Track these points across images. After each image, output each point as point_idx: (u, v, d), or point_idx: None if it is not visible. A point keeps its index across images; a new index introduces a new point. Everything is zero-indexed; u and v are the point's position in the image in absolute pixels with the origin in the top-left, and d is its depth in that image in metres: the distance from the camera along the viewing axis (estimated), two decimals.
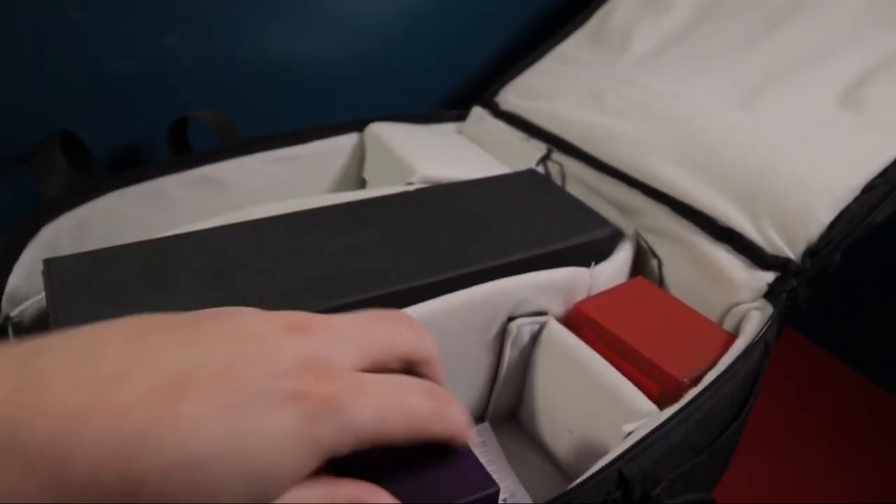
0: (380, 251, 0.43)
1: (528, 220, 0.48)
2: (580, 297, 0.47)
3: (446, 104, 0.79)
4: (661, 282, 0.51)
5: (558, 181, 0.59)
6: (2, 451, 0.18)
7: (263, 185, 0.59)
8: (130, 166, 0.64)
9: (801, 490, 0.63)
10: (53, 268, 0.39)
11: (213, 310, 0.24)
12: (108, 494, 0.18)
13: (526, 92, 0.67)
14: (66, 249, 0.48)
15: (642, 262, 0.53)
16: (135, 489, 0.18)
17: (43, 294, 0.39)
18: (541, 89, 0.66)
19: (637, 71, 0.62)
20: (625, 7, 0.70)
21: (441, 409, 0.25)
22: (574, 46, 0.69)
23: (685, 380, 0.40)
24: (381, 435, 0.23)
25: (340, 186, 0.64)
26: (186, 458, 0.19)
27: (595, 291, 0.47)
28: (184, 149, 0.61)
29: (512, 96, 0.67)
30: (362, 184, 0.65)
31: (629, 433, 0.37)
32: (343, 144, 0.63)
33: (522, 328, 0.45)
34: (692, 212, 0.50)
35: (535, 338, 0.46)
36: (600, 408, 0.41)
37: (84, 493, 0.18)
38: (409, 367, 0.26)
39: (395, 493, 0.32)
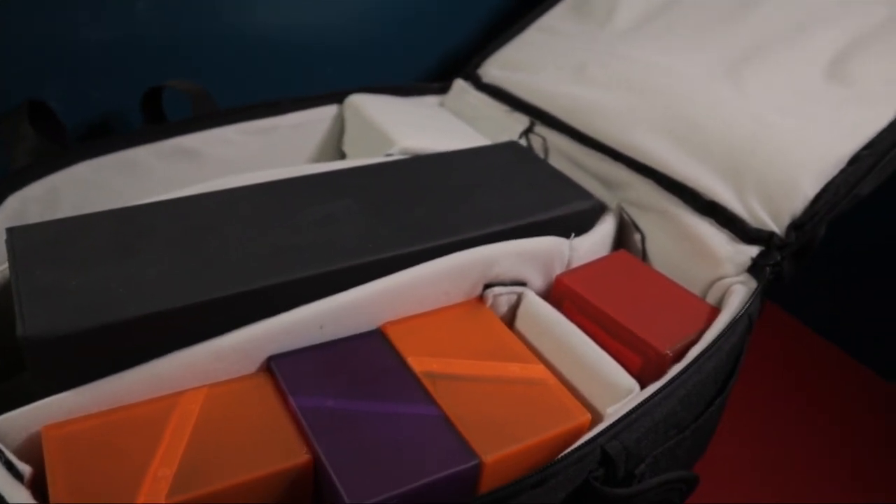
0: (356, 221, 0.42)
1: (509, 192, 0.47)
2: (559, 269, 0.46)
3: (427, 77, 0.77)
4: (644, 256, 0.51)
5: (541, 154, 0.58)
6: None
7: (240, 157, 0.58)
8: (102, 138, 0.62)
9: (780, 466, 0.63)
10: (16, 236, 0.37)
11: None
12: None
13: (508, 64, 0.65)
14: (35, 219, 0.46)
15: (625, 237, 0.52)
16: None
17: (7, 265, 0.38)
18: (524, 61, 0.64)
19: (621, 43, 0.61)
20: None
21: None
22: (558, 18, 0.68)
23: (668, 352, 0.39)
24: None
25: (319, 159, 0.63)
26: None
27: (575, 264, 0.47)
28: (158, 119, 0.59)
29: (494, 69, 0.66)
30: (342, 156, 0.63)
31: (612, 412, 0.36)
32: (322, 116, 0.62)
33: (499, 297, 0.44)
34: (676, 185, 0.49)
35: (514, 311, 0.45)
36: (579, 382, 0.40)
37: None
38: None
39: (375, 466, 0.32)
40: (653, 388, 0.36)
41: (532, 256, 0.44)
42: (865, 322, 0.76)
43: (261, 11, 0.64)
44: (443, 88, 0.69)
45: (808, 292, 0.78)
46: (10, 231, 0.38)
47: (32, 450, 0.32)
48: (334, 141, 0.63)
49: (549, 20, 0.68)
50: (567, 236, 0.46)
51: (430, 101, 0.68)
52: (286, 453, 0.33)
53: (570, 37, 0.65)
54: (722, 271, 0.45)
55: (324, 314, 0.38)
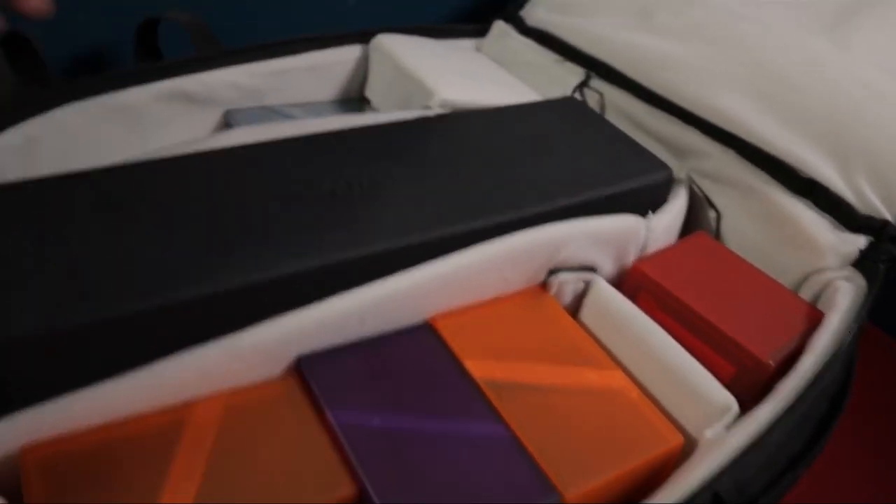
0: (399, 191, 0.35)
1: (572, 158, 0.40)
2: (633, 253, 0.39)
3: (462, 17, 0.69)
4: (717, 238, 0.44)
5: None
6: None
7: (248, 103, 0.50)
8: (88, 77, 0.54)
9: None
10: None
11: None
12: None
13: (558, 5, 0.57)
14: (12, 172, 0.39)
15: (694, 215, 0.45)
16: None
17: None
18: (576, 2, 0.56)
19: None
20: None
21: None
22: None
23: (770, 361, 0.33)
24: None
25: (338, 107, 0.55)
26: None
27: (650, 248, 0.40)
28: (153, 57, 0.51)
29: (541, 10, 0.58)
30: (364, 103, 0.56)
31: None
32: (342, 58, 0.54)
33: (564, 285, 0.37)
34: (765, 157, 0.42)
35: (580, 300, 0.38)
36: (663, 394, 0.34)
37: None
38: None
39: (444, 498, 0.26)
40: (765, 408, 0.30)
41: (606, 238, 0.37)
42: None
43: None
44: (480, 31, 0.61)
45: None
46: None
47: (8, 474, 0.26)
48: (356, 87, 0.55)
49: None
50: (641, 213, 0.39)
51: (466, 45, 0.60)
52: (327, 484, 0.26)
53: None
54: (822, 263, 0.39)
55: (364, 305, 0.31)
